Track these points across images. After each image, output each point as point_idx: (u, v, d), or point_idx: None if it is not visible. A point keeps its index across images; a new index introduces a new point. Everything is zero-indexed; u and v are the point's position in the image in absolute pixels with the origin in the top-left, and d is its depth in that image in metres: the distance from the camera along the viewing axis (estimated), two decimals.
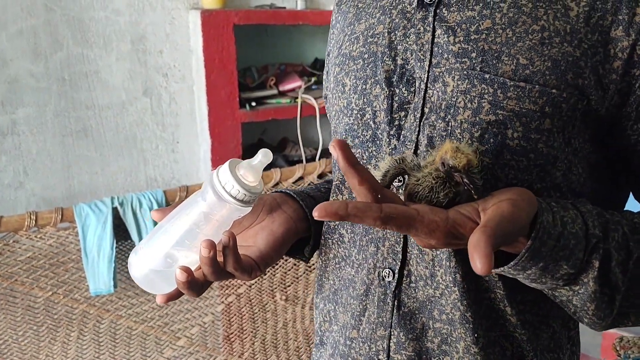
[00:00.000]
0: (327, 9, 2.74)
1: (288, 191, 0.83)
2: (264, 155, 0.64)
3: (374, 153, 0.76)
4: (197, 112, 2.46)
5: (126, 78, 2.29)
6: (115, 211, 1.88)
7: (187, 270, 0.64)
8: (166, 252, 0.67)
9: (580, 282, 0.63)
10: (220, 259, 0.65)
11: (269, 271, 2.20)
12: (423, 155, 0.70)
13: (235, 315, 2.25)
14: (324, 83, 0.96)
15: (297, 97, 2.61)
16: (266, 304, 2.28)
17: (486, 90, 0.67)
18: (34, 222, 1.72)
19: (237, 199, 0.63)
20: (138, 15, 2.27)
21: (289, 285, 2.28)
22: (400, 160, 0.63)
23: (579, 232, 0.61)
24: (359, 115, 0.77)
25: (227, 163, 0.64)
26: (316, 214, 0.53)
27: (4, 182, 2.11)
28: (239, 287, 2.21)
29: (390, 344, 0.76)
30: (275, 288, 2.26)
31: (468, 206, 0.58)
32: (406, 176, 0.64)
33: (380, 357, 0.78)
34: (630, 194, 0.79)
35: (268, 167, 2.54)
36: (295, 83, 2.68)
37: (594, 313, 0.65)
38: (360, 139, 0.77)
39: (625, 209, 0.78)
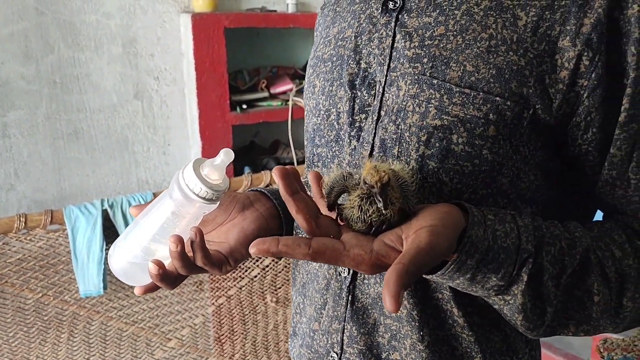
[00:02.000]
0: (317, 12, 2.75)
1: (262, 190, 0.86)
2: (225, 154, 0.67)
3: (337, 153, 0.78)
4: (188, 114, 2.47)
5: (117, 81, 2.31)
6: (105, 213, 1.89)
7: (158, 263, 0.67)
8: (141, 246, 0.70)
9: (511, 293, 0.64)
10: (190, 253, 0.68)
11: (259, 273, 2.21)
12: (375, 158, 0.73)
13: (226, 316, 2.26)
14: None
15: (288, 100, 2.62)
16: (257, 306, 2.29)
17: (433, 95, 0.68)
18: (23, 224, 1.73)
19: (201, 197, 0.66)
20: (129, 18, 2.29)
21: (279, 288, 2.29)
22: (345, 178, 0.63)
23: (510, 246, 0.62)
24: (325, 115, 0.80)
25: (191, 163, 0.67)
26: (252, 250, 0.56)
27: None
28: (229, 289, 2.22)
29: (344, 337, 0.79)
30: (266, 290, 2.27)
31: (392, 234, 0.59)
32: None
33: (335, 349, 0.81)
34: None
35: (260, 169, 2.55)
36: (287, 86, 2.69)
37: (522, 323, 0.66)
38: (326, 139, 0.80)
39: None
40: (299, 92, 2.69)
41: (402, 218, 0.60)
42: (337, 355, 0.80)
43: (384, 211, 0.59)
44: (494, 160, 0.68)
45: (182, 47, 2.41)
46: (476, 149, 0.68)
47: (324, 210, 0.64)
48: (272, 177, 2.08)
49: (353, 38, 0.78)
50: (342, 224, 0.63)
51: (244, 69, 2.68)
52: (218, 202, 0.68)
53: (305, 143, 0.87)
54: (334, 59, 0.80)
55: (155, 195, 1.96)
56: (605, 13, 0.64)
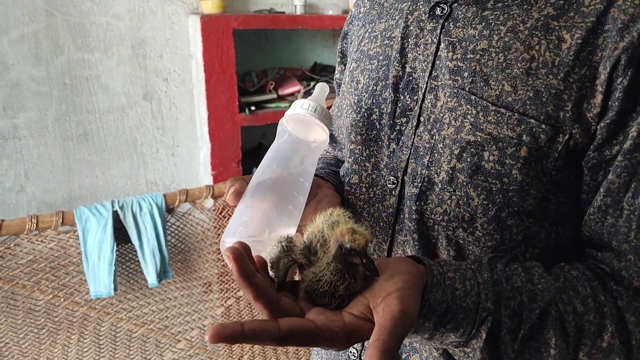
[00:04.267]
0: (325, 13, 2.75)
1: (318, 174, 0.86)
2: (320, 88, 0.71)
3: (375, 152, 0.79)
4: (197, 116, 2.47)
5: (126, 82, 2.31)
6: (115, 214, 1.89)
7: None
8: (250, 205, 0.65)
9: (471, 346, 0.64)
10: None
11: None
12: (410, 166, 0.73)
13: (234, 318, 2.26)
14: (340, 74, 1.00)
15: None
16: None
17: (470, 111, 0.69)
18: (35, 225, 1.73)
19: (310, 110, 0.68)
20: (138, 20, 2.29)
21: None
22: (287, 248, 0.58)
23: (470, 305, 0.61)
24: (366, 114, 0.80)
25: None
26: (208, 337, 0.49)
27: (5, 186, 2.13)
28: (238, 290, 2.22)
29: None
30: None
31: (359, 304, 0.56)
32: (300, 268, 0.61)
33: (356, 346, 0.81)
34: None
35: None
36: (295, 87, 2.70)
37: None
38: (364, 137, 0.80)
39: None
40: (307, 94, 2.69)
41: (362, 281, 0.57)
42: (357, 351, 0.81)
43: (357, 287, 0.55)
44: (523, 181, 0.68)
45: (191, 49, 2.41)
46: (506, 168, 0.68)
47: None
48: None
49: (400, 39, 0.78)
50: (299, 297, 0.59)
51: (252, 70, 2.68)
52: (327, 132, 0.69)
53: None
54: (380, 57, 0.80)
55: (165, 196, 1.96)
56: None
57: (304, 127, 0.68)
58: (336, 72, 1.01)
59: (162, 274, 1.98)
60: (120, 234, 1.92)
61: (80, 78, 2.21)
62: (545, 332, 0.64)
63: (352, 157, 0.81)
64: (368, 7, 0.89)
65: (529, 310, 0.63)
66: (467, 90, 0.69)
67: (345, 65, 0.98)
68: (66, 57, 2.17)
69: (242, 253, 0.53)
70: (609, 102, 0.65)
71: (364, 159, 0.80)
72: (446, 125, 0.70)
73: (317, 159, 0.70)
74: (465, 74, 0.70)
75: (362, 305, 0.56)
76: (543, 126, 0.66)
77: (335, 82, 1.02)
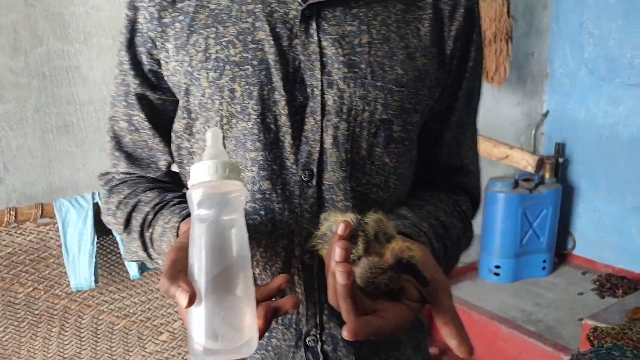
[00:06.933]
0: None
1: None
2: (211, 134, 0.64)
3: (278, 154, 0.81)
4: None
5: (107, 73, 2.29)
6: (96, 207, 1.88)
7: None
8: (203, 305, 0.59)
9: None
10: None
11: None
12: (328, 154, 0.81)
13: None
14: (137, 87, 0.90)
15: None
16: None
17: (379, 95, 0.81)
18: (13, 217, 1.72)
19: (218, 174, 0.60)
20: (118, 10, 2.27)
21: None
22: (361, 225, 0.67)
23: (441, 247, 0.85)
24: (259, 119, 0.80)
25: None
26: (347, 333, 0.57)
27: None
28: None
29: (323, 317, 0.85)
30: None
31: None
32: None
33: (313, 332, 0.85)
34: None
35: None
36: None
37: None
38: (263, 142, 0.80)
39: None
40: None
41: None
42: (317, 337, 0.84)
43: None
44: (415, 139, 0.88)
45: None
46: (407, 133, 0.85)
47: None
48: None
49: (272, 41, 0.78)
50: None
51: None
52: (239, 178, 0.63)
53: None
54: (255, 62, 0.79)
55: None
56: (462, 24, 0.86)
57: (216, 189, 0.61)
58: (133, 84, 0.89)
59: (143, 266, 1.98)
60: (102, 226, 1.91)
61: (60, 69, 2.19)
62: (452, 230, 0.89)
63: (257, 165, 0.80)
64: (185, 12, 0.82)
65: (447, 238, 0.87)
66: (370, 78, 0.80)
67: (144, 77, 0.89)
68: (45, 47, 2.15)
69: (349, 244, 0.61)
70: (452, 67, 0.87)
71: (270, 162, 0.80)
72: (361, 111, 0.81)
73: (243, 208, 0.64)
74: (362, 65, 0.80)
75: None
76: (427, 95, 0.85)
77: (134, 95, 0.90)
